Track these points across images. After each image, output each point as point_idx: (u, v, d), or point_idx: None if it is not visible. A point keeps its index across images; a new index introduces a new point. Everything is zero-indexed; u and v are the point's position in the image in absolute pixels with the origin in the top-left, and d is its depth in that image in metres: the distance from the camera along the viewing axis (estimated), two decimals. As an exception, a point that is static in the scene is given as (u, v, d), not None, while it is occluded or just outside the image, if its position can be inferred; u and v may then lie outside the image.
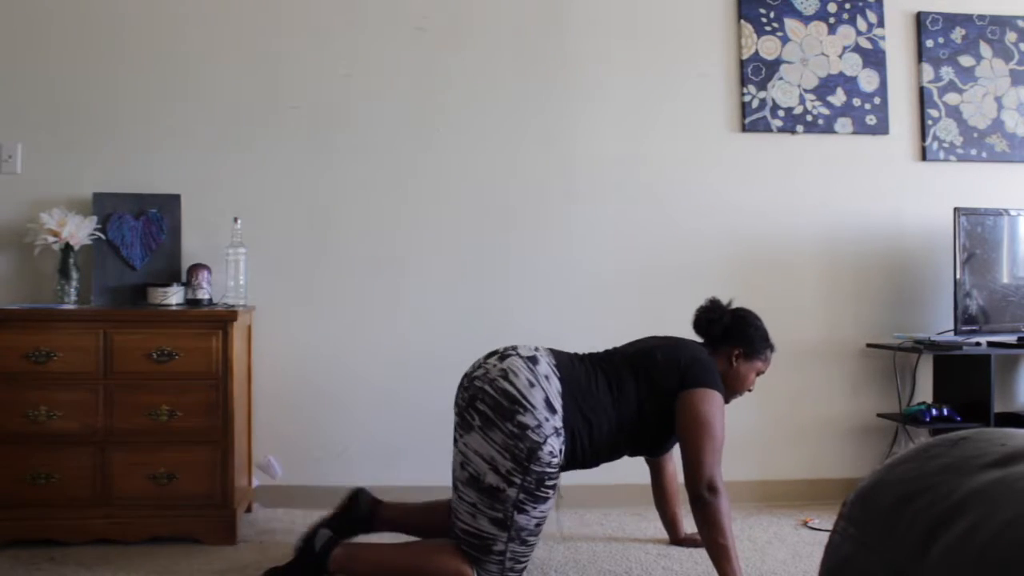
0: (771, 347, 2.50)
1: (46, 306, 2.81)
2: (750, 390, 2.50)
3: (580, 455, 2.24)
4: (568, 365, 2.26)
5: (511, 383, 2.14)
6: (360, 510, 2.42)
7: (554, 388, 2.16)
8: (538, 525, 2.16)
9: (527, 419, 2.10)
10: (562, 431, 2.15)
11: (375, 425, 3.11)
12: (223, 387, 2.65)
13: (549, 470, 2.12)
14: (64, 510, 2.60)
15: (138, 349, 2.63)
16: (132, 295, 2.95)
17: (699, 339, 2.50)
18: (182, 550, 2.58)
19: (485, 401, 2.13)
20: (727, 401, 2.46)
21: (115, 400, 2.63)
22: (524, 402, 2.11)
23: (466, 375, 2.28)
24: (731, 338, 2.44)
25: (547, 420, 2.11)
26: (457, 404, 2.23)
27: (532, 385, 2.14)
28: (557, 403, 2.15)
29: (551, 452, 2.11)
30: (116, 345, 2.63)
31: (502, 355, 2.23)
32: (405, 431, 3.11)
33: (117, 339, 2.64)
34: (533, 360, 2.20)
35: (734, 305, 2.53)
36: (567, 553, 2.62)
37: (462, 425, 2.17)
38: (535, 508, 2.13)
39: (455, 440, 2.20)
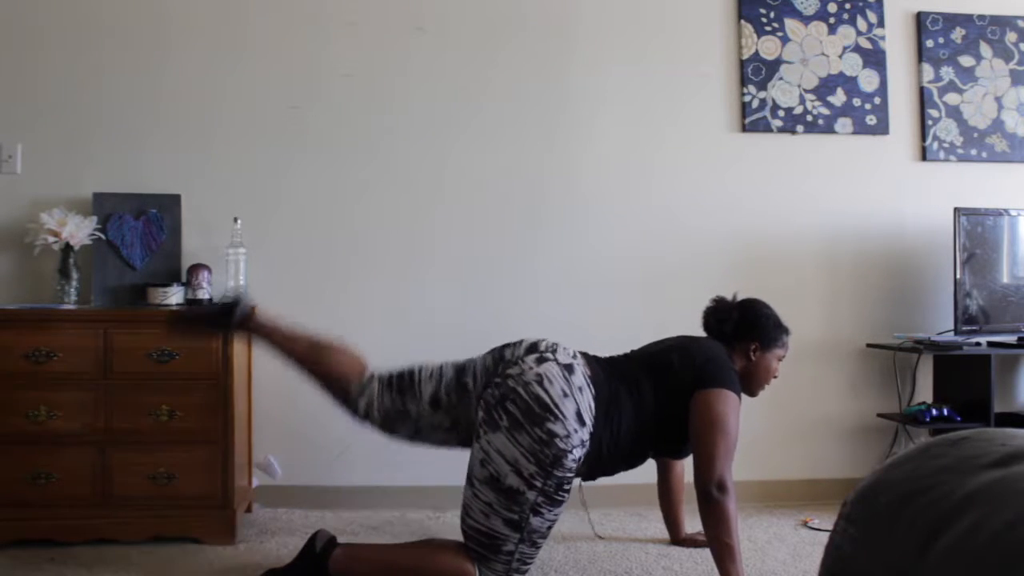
0: (786, 331, 2.49)
1: (46, 306, 2.81)
2: (776, 376, 2.50)
3: (604, 463, 2.25)
4: (599, 375, 2.24)
5: (545, 390, 2.11)
6: (238, 311, 2.34)
7: (586, 401, 2.15)
8: (549, 528, 2.16)
9: (557, 428, 2.08)
10: (588, 443, 2.15)
11: (375, 425, 3.11)
12: (223, 387, 2.65)
13: (569, 475, 2.12)
14: (64, 510, 2.60)
15: (138, 349, 2.63)
16: (132, 295, 2.95)
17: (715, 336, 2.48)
18: (182, 550, 2.58)
19: (516, 403, 2.11)
20: (754, 394, 2.47)
21: (115, 400, 2.62)
22: (556, 411, 2.10)
23: (501, 360, 2.23)
24: (745, 334, 2.43)
25: (576, 432, 2.11)
26: (484, 399, 2.18)
27: (566, 396, 2.12)
28: (587, 416, 2.14)
29: (575, 459, 2.12)
30: (116, 345, 2.63)
31: (540, 357, 2.18)
32: (405, 431, 3.11)
33: (117, 339, 2.64)
34: (570, 369, 2.17)
35: (740, 297, 2.52)
36: (567, 553, 2.62)
37: (487, 422, 2.13)
38: (551, 511, 2.13)
39: (477, 436, 2.16)
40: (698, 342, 2.40)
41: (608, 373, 2.26)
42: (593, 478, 2.34)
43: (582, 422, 2.13)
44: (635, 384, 2.26)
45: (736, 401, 2.27)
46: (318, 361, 2.33)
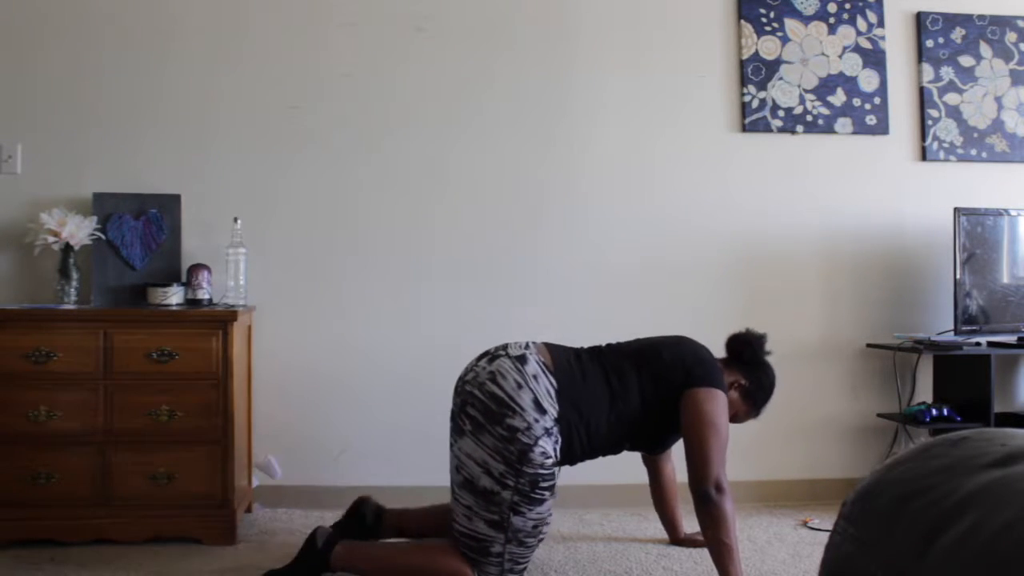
0: (761, 409, 2.49)
1: (46, 306, 2.81)
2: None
3: (579, 451, 2.24)
4: (563, 361, 2.24)
5: (499, 386, 2.13)
6: (366, 519, 2.42)
7: (543, 388, 2.15)
8: (536, 527, 2.16)
9: (516, 422, 2.09)
10: (554, 431, 2.14)
11: (375, 425, 3.11)
12: (223, 387, 2.66)
13: (543, 471, 2.11)
14: (64, 510, 2.60)
15: (138, 349, 2.63)
16: (132, 295, 2.95)
17: (724, 347, 2.48)
18: (182, 550, 2.58)
19: (475, 406, 2.14)
20: None
21: (115, 400, 2.63)
22: (512, 405, 2.11)
23: (459, 378, 2.28)
24: (747, 368, 2.44)
25: (536, 421, 2.11)
26: (451, 410, 2.24)
27: (520, 387, 2.13)
28: (546, 403, 2.14)
29: (543, 453, 2.11)
30: (116, 345, 2.63)
31: (492, 356, 2.22)
32: (405, 431, 3.11)
33: (117, 339, 2.64)
34: (522, 360, 2.18)
35: (773, 355, 2.51)
36: (567, 553, 2.62)
37: (455, 430, 2.18)
38: (531, 510, 2.12)
39: (450, 444, 2.21)
40: (688, 342, 2.40)
41: (576, 359, 2.27)
42: (572, 463, 2.30)
43: (541, 410, 2.12)
44: (617, 372, 2.26)
45: (725, 401, 2.28)
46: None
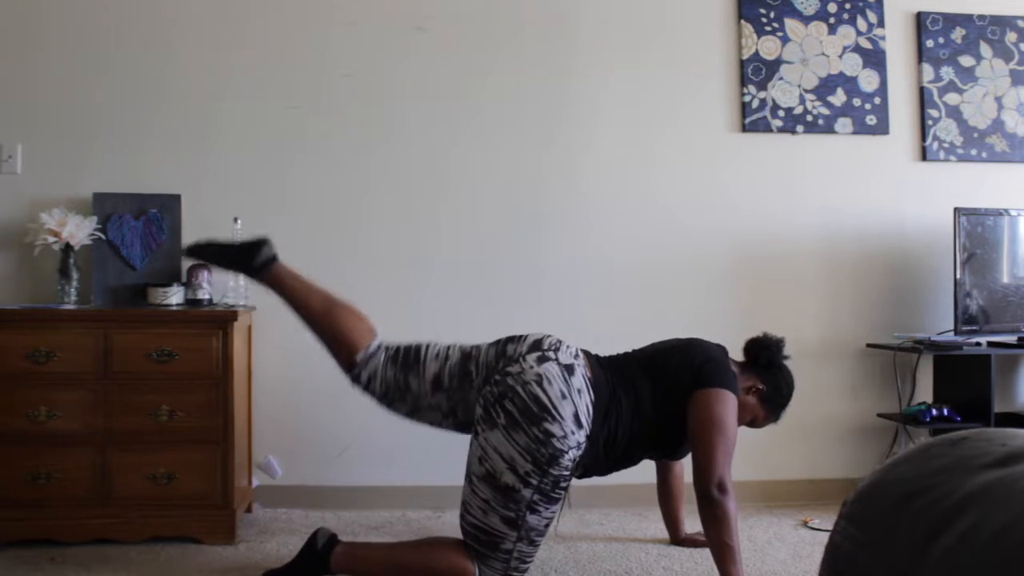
0: (780, 414, 2.49)
1: (46, 306, 2.81)
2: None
3: (600, 464, 2.25)
4: (599, 375, 2.23)
5: (544, 390, 2.11)
6: (262, 253, 2.34)
7: (584, 404, 2.14)
8: (547, 525, 2.17)
9: (554, 428, 2.09)
10: (584, 444, 2.15)
11: (375, 425, 3.10)
12: (223, 387, 2.65)
13: (565, 473, 2.12)
14: (64, 510, 2.60)
15: (138, 349, 2.63)
16: (132, 295, 2.95)
17: (741, 352, 2.48)
18: (182, 550, 2.58)
19: (514, 402, 2.11)
20: None
21: (115, 400, 2.62)
22: (554, 412, 2.09)
23: (497, 358, 2.24)
24: (764, 373, 2.43)
25: (573, 433, 2.11)
26: (483, 396, 2.17)
27: (564, 397, 2.11)
28: (584, 419, 2.14)
29: (571, 459, 2.12)
30: (116, 345, 2.63)
31: (542, 356, 2.17)
32: (405, 432, 3.10)
33: (117, 339, 2.64)
34: (570, 370, 2.16)
35: (791, 361, 2.51)
36: (567, 553, 2.62)
37: (485, 420, 2.14)
38: (547, 509, 2.13)
39: (475, 433, 2.16)
40: (701, 344, 2.39)
41: (608, 374, 2.26)
42: (587, 476, 2.33)
43: (579, 424, 2.12)
44: (633, 385, 2.26)
45: (734, 402, 2.26)
46: (330, 321, 2.32)
